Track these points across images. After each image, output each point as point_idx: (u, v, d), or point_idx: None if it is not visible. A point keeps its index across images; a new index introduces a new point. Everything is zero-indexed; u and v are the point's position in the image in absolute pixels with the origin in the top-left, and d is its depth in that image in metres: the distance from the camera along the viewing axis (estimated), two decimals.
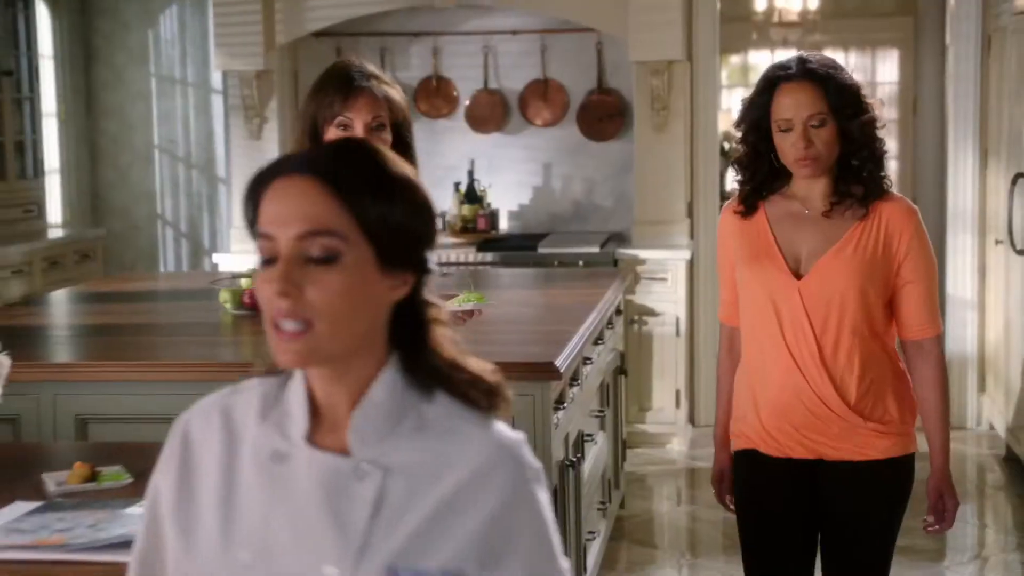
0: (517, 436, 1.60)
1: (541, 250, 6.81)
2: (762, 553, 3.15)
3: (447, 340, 1.61)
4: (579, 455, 4.17)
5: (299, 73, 7.50)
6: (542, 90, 7.51)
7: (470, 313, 3.64)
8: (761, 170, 3.03)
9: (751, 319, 3.09)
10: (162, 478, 1.64)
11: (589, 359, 4.40)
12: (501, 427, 1.60)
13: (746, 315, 3.11)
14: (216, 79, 8.51)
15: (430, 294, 1.61)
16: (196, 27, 8.89)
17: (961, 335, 7.04)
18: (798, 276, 2.98)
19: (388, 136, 3.21)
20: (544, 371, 3.61)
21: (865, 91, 2.99)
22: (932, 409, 3.06)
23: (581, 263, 6.64)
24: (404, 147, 3.20)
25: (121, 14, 8.94)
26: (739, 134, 3.06)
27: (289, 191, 1.51)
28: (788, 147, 2.94)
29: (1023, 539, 5.32)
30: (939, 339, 3.05)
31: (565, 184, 7.59)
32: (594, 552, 4.63)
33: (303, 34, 7.24)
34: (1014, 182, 6.04)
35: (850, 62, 12.74)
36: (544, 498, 1.59)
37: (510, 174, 7.56)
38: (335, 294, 1.50)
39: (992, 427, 6.78)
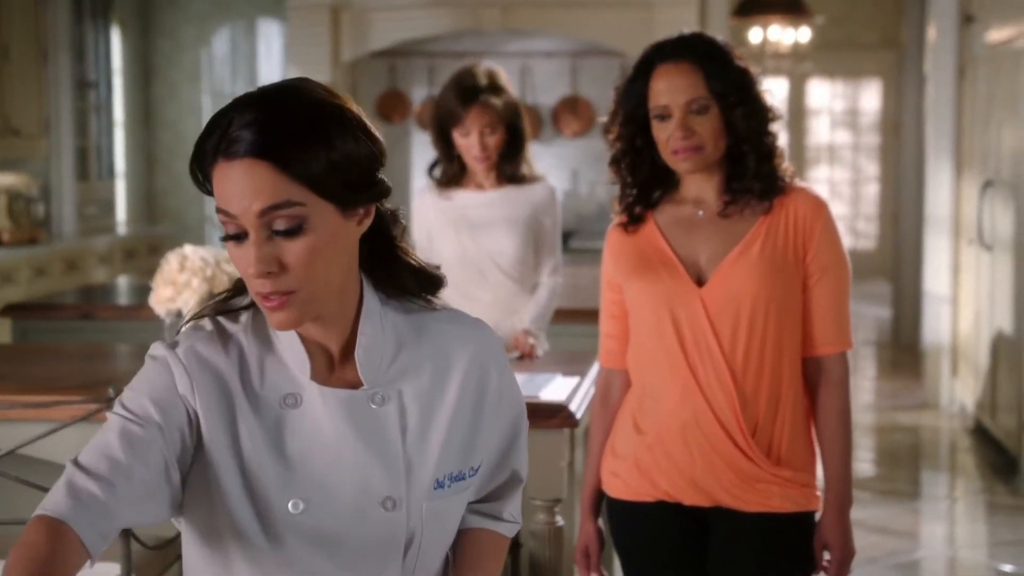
0: (476, 320, 1.71)
1: (572, 245, 7.79)
2: None
3: (404, 246, 1.67)
4: None
5: (357, 88, 8.47)
6: (572, 105, 8.53)
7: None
8: (642, 171, 2.58)
9: (644, 341, 2.59)
10: (179, 400, 1.55)
11: None
12: (462, 315, 1.70)
13: (638, 338, 2.60)
14: None
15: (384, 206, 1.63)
16: (246, 47, 9.79)
17: (936, 327, 7.98)
18: (700, 284, 2.53)
19: (501, 136, 3.81)
20: None
21: (756, 76, 2.57)
22: (833, 440, 2.56)
23: None
24: (516, 135, 3.87)
25: (178, 35, 9.82)
26: (613, 130, 2.60)
27: (235, 173, 1.49)
28: (666, 137, 2.50)
29: (986, 486, 6.27)
30: (845, 358, 2.57)
31: (591, 188, 8.60)
32: None
33: (366, 53, 8.21)
34: (984, 189, 7.02)
35: (836, 91, 13.83)
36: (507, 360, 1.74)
37: None
38: (311, 260, 1.51)
39: (963, 407, 7.73)
